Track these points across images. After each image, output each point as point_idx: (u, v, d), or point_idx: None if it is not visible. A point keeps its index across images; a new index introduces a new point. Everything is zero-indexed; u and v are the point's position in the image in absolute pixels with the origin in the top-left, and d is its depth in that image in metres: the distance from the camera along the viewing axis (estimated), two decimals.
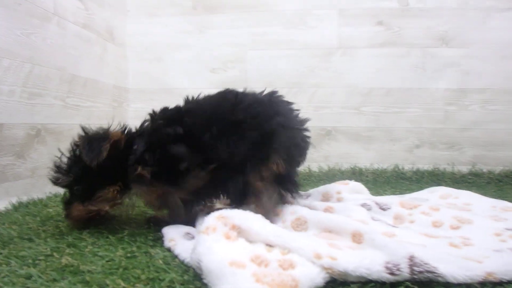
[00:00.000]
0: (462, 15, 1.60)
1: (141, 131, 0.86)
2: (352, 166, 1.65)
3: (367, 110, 1.68)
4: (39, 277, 0.57)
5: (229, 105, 0.84)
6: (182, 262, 0.64)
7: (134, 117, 1.77)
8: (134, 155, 0.80)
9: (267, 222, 0.65)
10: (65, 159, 0.83)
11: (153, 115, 0.88)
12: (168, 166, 0.79)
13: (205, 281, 0.54)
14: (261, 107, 0.84)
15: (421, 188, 1.21)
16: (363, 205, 0.89)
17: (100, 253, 0.68)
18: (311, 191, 1.04)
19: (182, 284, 0.56)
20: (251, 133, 0.81)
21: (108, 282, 0.55)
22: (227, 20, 1.77)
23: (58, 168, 0.82)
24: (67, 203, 0.83)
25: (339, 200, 0.95)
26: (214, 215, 0.64)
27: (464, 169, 1.60)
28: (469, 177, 1.57)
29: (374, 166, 1.63)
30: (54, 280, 0.57)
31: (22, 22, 1.16)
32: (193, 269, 0.60)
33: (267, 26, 1.73)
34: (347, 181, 1.03)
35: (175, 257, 0.67)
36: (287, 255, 0.58)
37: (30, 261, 0.64)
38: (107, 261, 0.64)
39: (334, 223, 0.69)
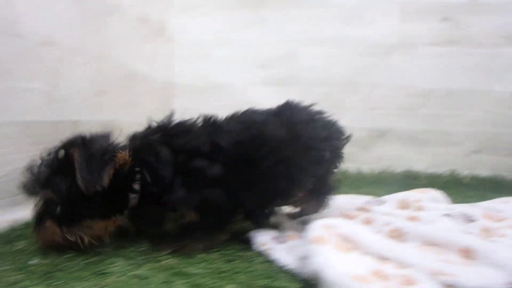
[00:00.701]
0: None
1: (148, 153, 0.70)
2: (405, 170, 1.61)
3: (425, 112, 1.63)
4: (152, 278, 0.57)
5: (254, 149, 0.74)
6: (281, 268, 0.63)
7: (180, 114, 1.71)
8: (172, 193, 0.68)
9: (372, 233, 0.63)
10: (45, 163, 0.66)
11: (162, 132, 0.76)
12: (209, 213, 0.72)
13: None
14: (290, 150, 0.77)
15: (481, 197, 1.16)
16: (447, 215, 0.86)
17: (196, 255, 0.67)
18: (385, 197, 1.00)
19: None
20: (280, 182, 0.77)
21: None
22: (278, 15, 1.73)
23: (33, 175, 0.65)
24: (39, 217, 0.66)
25: (418, 209, 0.91)
26: (319, 224, 0.62)
27: None
28: None
29: (429, 171, 1.58)
30: (166, 282, 0.56)
31: (89, 18, 1.15)
32: (300, 276, 0.59)
33: (321, 21, 1.68)
34: (426, 189, 0.99)
35: (271, 262, 0.66)
36: (403, 270, 0.56)
37: (134, 260, 0.64)
38: (209, 264, 0.64)
39: (439, 236, 0.66)
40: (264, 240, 0.73)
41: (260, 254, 0.70)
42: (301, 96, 1.69)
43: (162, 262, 0.63)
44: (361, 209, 0.92)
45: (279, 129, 0.77)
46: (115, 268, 0.60)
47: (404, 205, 0.95)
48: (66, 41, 1.04)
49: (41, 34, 0.94)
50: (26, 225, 0.79)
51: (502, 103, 1.57)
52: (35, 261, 0.62)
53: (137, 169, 0.68)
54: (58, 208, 0.64)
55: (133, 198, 0.69)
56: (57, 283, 0.55)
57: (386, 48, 1.64)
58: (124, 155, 0.66)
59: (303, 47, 1.71)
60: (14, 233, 0.76)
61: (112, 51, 1.28)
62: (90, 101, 1.16)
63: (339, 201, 1.04)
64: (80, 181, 0.60)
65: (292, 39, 1.71)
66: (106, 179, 0.62)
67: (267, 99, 1.72)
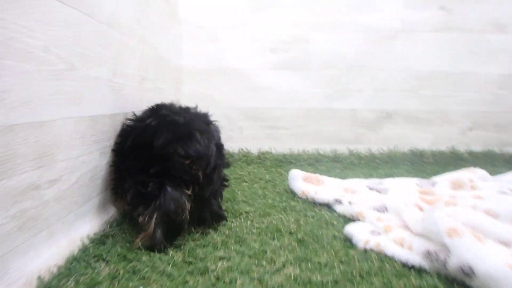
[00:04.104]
0: None
1: None
2: (411, 149, 1.72)
3: (425, 94, 1.74)
4: None
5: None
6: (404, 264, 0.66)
7: (187, 99, 1.60)
8: None
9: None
10: None
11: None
12: None
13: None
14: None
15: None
16: (501, 192, 0.95)
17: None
18: (436, 178, 1.08)
19: None
20: None
21: None
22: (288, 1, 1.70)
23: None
24: None
25: (472, 188, 0.99)
26: (443, 214, 0.66)
27: None
28: None
29: (432, 148, 1.72)
30: None
31: None
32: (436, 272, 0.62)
33: (330, 7, 1.69)
34: (473, 168, 1.08)
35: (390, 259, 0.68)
36: None
37: None
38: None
39: None
40: (364, 235, 0.75)
41: (370, 251, 0.72)
42: (313, 80, 1.72)
43: None
44: (424, 192, 0.98)
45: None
46: None
47: (457, 185, 1.03)
48: (126, 22, 0.90)
49: (108, 13, 0.80)
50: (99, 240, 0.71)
51: (490, 84, 1.73)
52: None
53: None
54: None
55: None
56: None
57: (391, 33, 1.70)
58: None
59: (314, 32, 1.70)
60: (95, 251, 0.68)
61: (147, 32, 1.14)
62: (135, 88, 1.02)
63: (392, 183, 1.10)
64: None
65: (303, 23, 1.70)
66: None
67: (279, 83, 1.73)
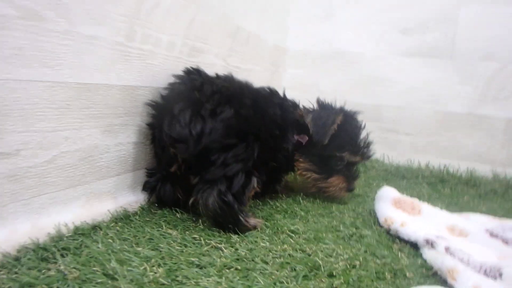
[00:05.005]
0: None
1: None
2: None
3: None
4: None
5: None
6: None
7: (288, 86, 1.36)
8: None
9: None
10: None
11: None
12: None
13: None
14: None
15: None
16: None
17: None
18: None
19: None
20: None
21: None
22: None
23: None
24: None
25: None
26: None
27: None
28: None
29: None
30: None
31: None
32: None
33: None
34: None
35: None
36: None
37: None
38: None
39: None
40: None
41: None
42: (457, 73, 1.30)
43: None
44: None
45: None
46: None
47: None
48: None
49: None
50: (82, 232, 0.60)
51: None
52: None
53: None
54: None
55: None
56: None
57: None
58: None
59: (465, 7, 1.27)
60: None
61: None
62: (179, 61, 0.87)
63: None
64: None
65: None
66: None
67: (408, 74, 1.37)
